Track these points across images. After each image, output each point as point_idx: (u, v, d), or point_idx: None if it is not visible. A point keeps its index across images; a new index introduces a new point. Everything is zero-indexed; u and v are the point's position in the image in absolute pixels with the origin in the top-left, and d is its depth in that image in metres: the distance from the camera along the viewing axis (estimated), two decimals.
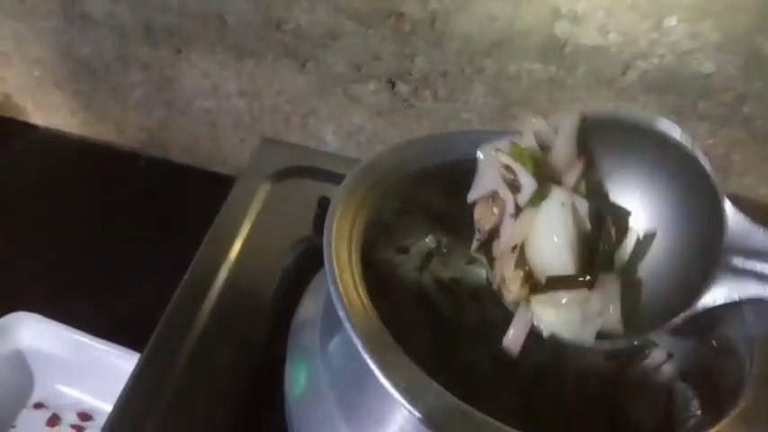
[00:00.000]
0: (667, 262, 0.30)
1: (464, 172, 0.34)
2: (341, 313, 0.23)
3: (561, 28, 0.50)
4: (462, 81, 0.55)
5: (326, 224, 0.27)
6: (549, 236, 0.27)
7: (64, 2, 0.59)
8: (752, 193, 0.58)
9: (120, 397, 0.36)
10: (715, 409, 0.28)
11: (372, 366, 0.22)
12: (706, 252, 0.28)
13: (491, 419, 0.22)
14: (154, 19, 0.58)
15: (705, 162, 0.30)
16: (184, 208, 0.59)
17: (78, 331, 0.47)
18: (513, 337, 0.28)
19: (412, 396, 0.22)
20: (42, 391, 0.48)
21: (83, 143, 0.69)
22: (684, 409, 0.33)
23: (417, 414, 0.22)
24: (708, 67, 0.49)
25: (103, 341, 0.46)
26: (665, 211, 0.32)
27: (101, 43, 0.62)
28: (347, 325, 0.23)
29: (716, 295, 0.27)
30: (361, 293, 0.25)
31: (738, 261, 0.27)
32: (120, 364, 0.44)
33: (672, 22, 0.48)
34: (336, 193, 0.29)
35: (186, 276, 0.41)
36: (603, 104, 0.53)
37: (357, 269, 0.26)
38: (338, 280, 0.24)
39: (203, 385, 0.37)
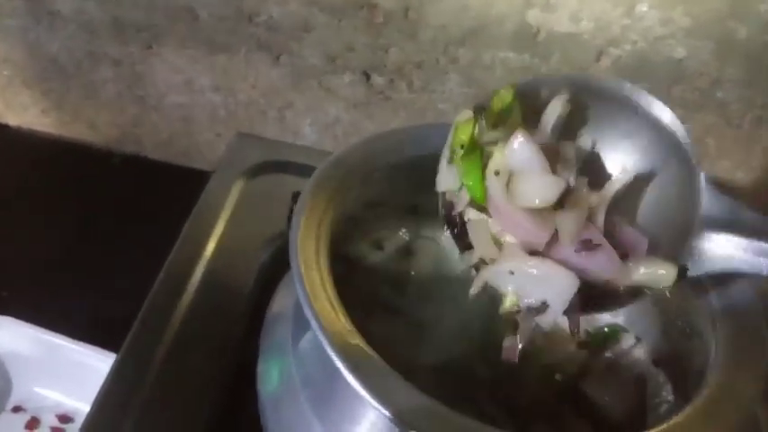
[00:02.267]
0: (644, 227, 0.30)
1: (435, 165, 0.35)
2: (306, 311, 0.23)
3: (534, 16, 0.50)
4: (437, 71, 0.55)
5: (293, 221, 0.26)
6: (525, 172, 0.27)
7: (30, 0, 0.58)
8: (728, 176, 0.58)
9: (96, 398, 0.36)
10: (687, 394, 0.29)
11: (340, 366, 0.22)
12: (681, 223, 0.28)
13: (461, 416, 0.22)
14: (123, 14, 0.57)
15: (679, 130, 0.29)
16: (161, 205, 0.58)
17: (55, 333, 0.46)
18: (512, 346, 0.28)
19: (380, 395, 0.22)
20: (20, 395, 0.48)
21: (56, 142, 0.68)
22: (657, 395, 0.33)
23: (386, 413, 0.22)
24: (680, 52, 0.50)
25: (81, 343, 0.46)
26: (642, 177, 0.31)
27: (70, 40, 0.61)
28: (313, 323, 0.23)
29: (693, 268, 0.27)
30: (329, 290, 0.24)
31: (713, 233, 0.27)
32: (97, 365, 0.44)
33: (643, 8, 0.48)
34: (304, 188, 0.29)
35: (161, 275, 0.41)
36: None
37: (325, 265, 0.25)
38: (304, 277, 0.24)
39: (180, 384, 0.36)
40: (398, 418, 0.22)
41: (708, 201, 0.28)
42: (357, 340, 0.23)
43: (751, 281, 0.29)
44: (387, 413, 0.22)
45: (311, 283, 0.24)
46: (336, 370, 0.22)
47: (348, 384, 0.22)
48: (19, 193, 0.61)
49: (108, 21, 0.58)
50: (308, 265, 0.25)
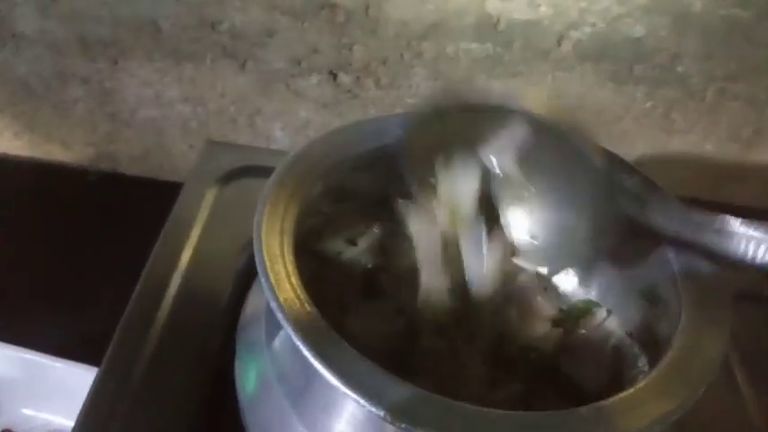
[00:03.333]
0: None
1: (397, 156, 0.35)
2: (271, 302, 0.24)
3: (493, 5, 0.50)
4: (403, 67, 0.55)
5: (255, 217, 0.27)
6: None
7: None
8: (697, 149, 0.59)
9: (80, 413, 0.36)
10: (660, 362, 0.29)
11: (307, 354, 0.23)
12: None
13: (436, 396, 0.23)
14: (88, 32, 0.57)
15: None
16: (138, 220, 0.58)
17: (37, 353, 0.46)
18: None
19: (349, 380, 0.22)
20: (8, 418, 0.48)
21: (30, 164, 0.68)
22: (633, 366, 0.34)
23: (358, 398, 0.22)
24: (638, 30, 0.50)
25: (64, 360, 0.46)
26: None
27: (37, 62, 0.61)
28: (279, 314, 0.23)
29: None
30: (294, 282, 0.25)
31: None
32: (81, 381, 0.43)
33: None
34: (266, 185, 0.29)
35: (138, 287, 0.41)
36: (542, 77, 0.54)
37: (290, 259, 0.26)
38: (269, 269, 0.25)
39: (162, 393, 0.37)
40: (370, 400, 0.22)
41: None
42: (323, 327, 0.23)
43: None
44: (358, 398, 0.22)
45: (276, 276, 0.24)
46: (306, 359, 0.22)
47: (319, 373, 0.23)
48: None
49: (73, 39, 0.58)
50: (272, 259, 0.25)
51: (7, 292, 0.53)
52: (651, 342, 0.32)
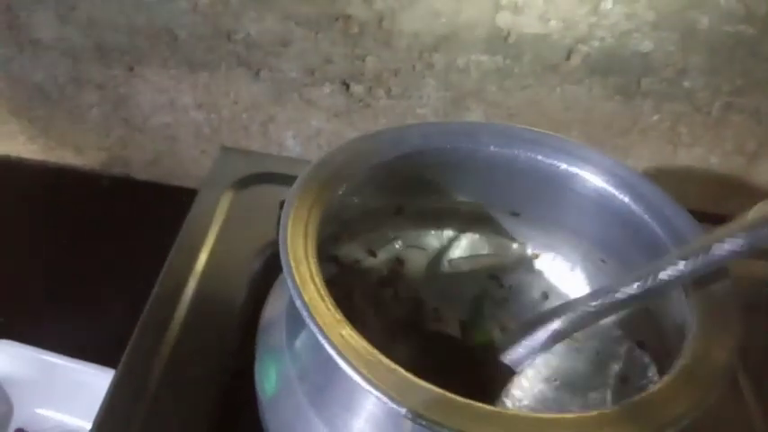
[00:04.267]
0: None
1: (418, 165, 0.36)
2: (297, 302, 0.24)
3: (503, 19, 0.51)
4: (414, 77, 0.56)
5: (281, 219, 0.28)
6: None
7: (12, 28, 0.59)
8: (703, 162, 0.60)
9: (97, 415, 0.37)
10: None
11: (332, 352, 0.23)
12: None
13: (456, 397, 0.23)
14: (104, 39, 0.58)
15: None
16: (151, 224, 0.59)
17: (53, 354, 0.47)
18: None
19: (372, 379, 0.23)
20: (22, 418, 0.48)
21: (44, 168, 0.69)
22: (644, 376, 0.35)
23: (381, 396, 0.23)
24: (646, 45, 0.51)
25: (79, 361, 0.47)
26: None
27: (53, 67, 0.62)
28: (304, 313, 0.24)
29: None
30: (318, 283, 0.26)
31: None
32: (97, 382, 0.45)
33: (608, 5, 0.49)
34: (291, 189, 0.30)
35: (155, 289, 0.42)
36: (551, 90, 0.55)
37: (313, 261, 0.27)
38: (294, 271, 0.25)
39: (179, 395, 0.37)
40: (391, 399, 0.22)
41: None
42: (347, 329, 0.24)
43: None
44: (381, 396, 0.22)
45: (301, 277, 0.25)
46: (330, 358, 0.23)
47: (342, 372, 0.23)
48: (11, 219, 0.62)
49: (90, 46, 0.59)
50: (297, 260, 0.26)
51: (23, 294, 0.54)
52: (662, 352, 0.33)
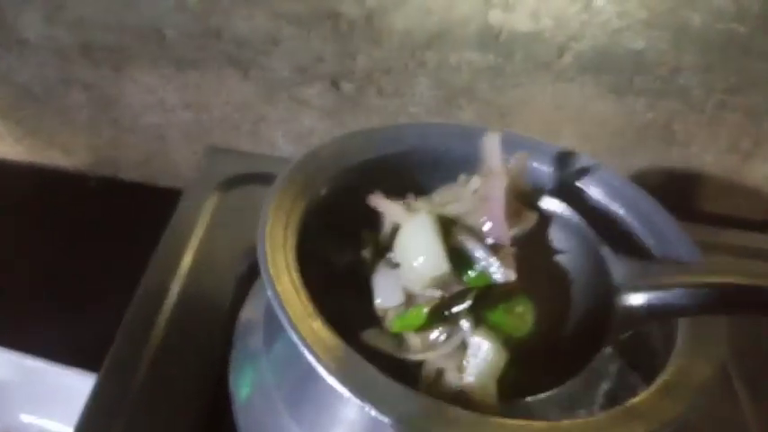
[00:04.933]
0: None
1: (407, 164, 0.35)
2: (269, 292, 0.24)
3: (495, 16, 0.51)
4: (406, 75, 0.56)
5: (263, 208, 0.27)
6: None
7: None
8: (697, 160, 0.59)
9: (80, 417, 0.36)
10: None
11: (300, 345, 0.22)
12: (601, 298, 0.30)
13: (454, 407, 0.23)
14: (92, 38, 0.58)
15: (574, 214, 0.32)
16: (138, 225, 0.58)
17: (36, 358, 0.46)
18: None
19: (349, 380, 0.22)
20: (6, 423, 0.48)
21: (31, 169, 0.68)
22: (632, 396, 0.34)
23: (357, 399, 0.22)
24: (639, 43, 0.51)
25: (62, 365, 0.46)
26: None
27: (41, 67, 0.61)
28: (275, 303, 0.23)
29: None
30: (293, 274, 0.25)
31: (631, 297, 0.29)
32: (80, 386, 0.43)
33: (600, 2, 0.49)
34: (276, 179, 0.29)
35: (138, 292, 0.41)
36: (543, 88, 0.54)
37: (291, 253, 0.26)
38: (269, 260, 0.25)
39: (162, 398, 0.37)
40: (380, 409, 0.22)
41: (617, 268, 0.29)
42: (318, 322, 0.23)
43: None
44: (345, 391, 0.22)
45: (276, 267, 0.25)
46: (303, 358, 0.22)
47: (321, 379, 0.23)
48: None
49: (77, 45, 0.58)
50: (274, 249, 0.25)
51: (6, 296, 0.53)
52: (652, 371, 0.32)
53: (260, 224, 0.27)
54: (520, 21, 0.51)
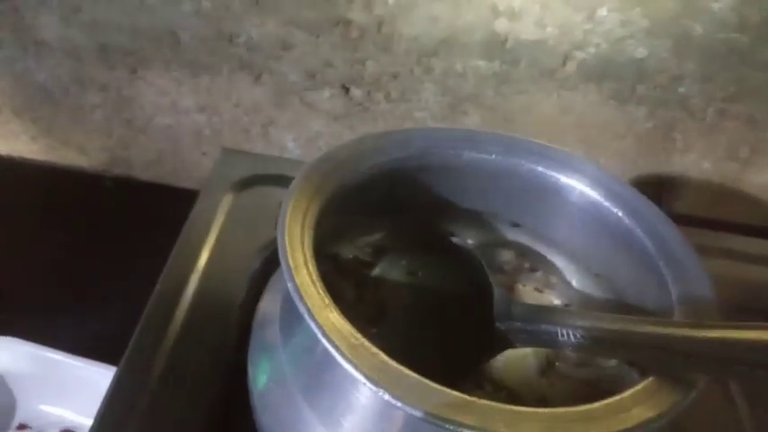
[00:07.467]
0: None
1: (418, 167, 0.37)
2: (289, 283, 0.25)
3: (501, 25, 0.52)
4: (413, 81, 0.57)
5: (282, 205, 0.29)
6: None
7: (16, 29, 0.60)
8: (695, 168, 0.61)
9: (98, 411, 0.37)
10: None
11: (323, 340, 0.24)
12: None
13: (476, 399, 0.24)
14: (108, 40, 0.59)
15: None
16: (153, 224, 0.59)
17: (56, 351, 0.48)
18: None
19: (365, 367, 0.23)
20: (25, 413, 0.49)
21: (46, 168, 0.70)
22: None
23: (374, 387, 0.23)
24: (641, 52, 0.52)
25: (81, 358, 0.47)
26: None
27: (57, 68, 0.62)
28: (294, 294, 0.25)
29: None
30: (311, 269, 0.26)
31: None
32: (99, 379, 0.45)
33: (603, 12, 0.50)
34: (295, 179, 0.31)
35: (156, 288, 0.43)
36: (548, 94, 0.56)
37: (308, 249, 0.27)
38: (288, 254, 0.26)
39: (180, 393, 0.38)
40: (369, 380, 0.23)
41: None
42: (335, 313, 0.25)
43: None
44: (360, 377, 0.23)
45: (295, 261, 0.26)
46: (320, 347, 0.24)
47: (331, 359, 0.24)
48: (13, 219, 0.63)
49: (93, 47, 0.60)
50: (293, 245, 0.27)
51: (26, 292, 0.55)
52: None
53: (279, 221, 0.28)
54: (525, 29, 0.52)
